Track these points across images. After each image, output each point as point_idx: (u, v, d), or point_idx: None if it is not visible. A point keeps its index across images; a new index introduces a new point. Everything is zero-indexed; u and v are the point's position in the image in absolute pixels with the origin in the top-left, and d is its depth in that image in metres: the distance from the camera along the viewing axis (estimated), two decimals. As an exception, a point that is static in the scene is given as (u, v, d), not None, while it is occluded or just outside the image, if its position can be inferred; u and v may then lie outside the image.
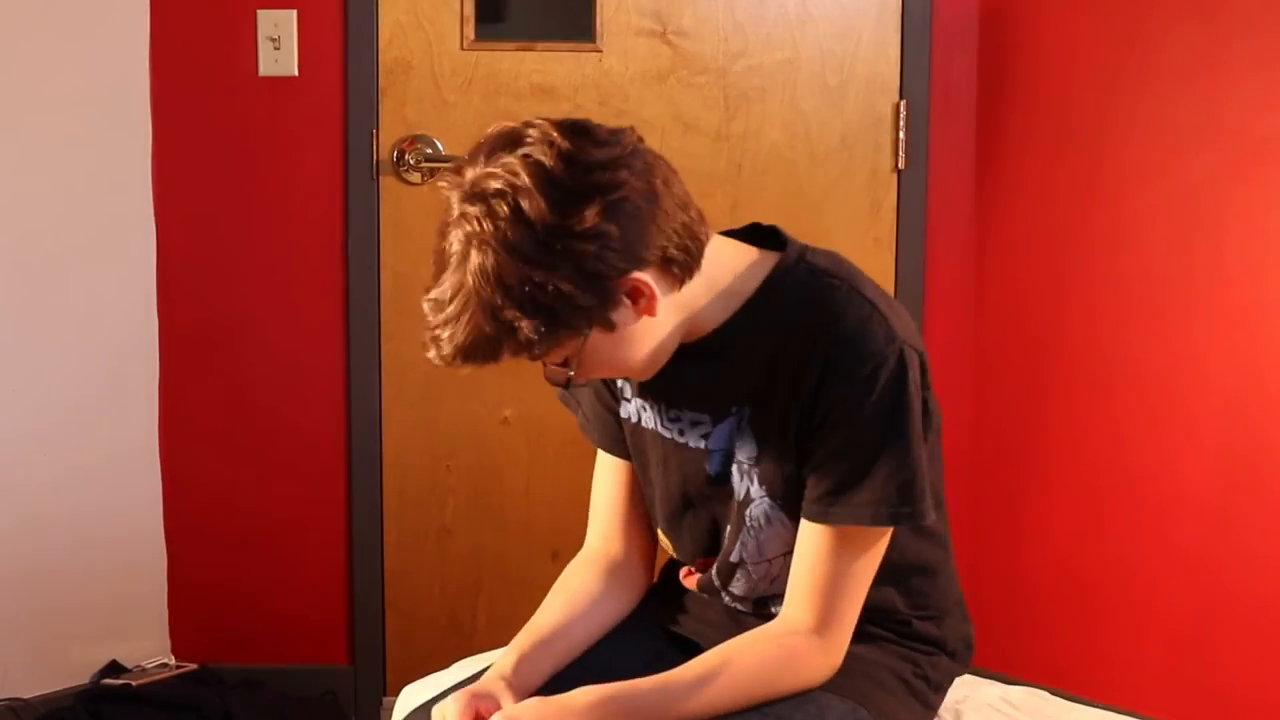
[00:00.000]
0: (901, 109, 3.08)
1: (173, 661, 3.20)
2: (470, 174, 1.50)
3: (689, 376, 1.68)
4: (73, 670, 3.09)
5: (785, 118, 3.09)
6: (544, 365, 1.59)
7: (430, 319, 1.54)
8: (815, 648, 1.62)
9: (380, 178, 3.08)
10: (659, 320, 1.57)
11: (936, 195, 3.11)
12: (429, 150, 3.06)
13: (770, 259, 1.65)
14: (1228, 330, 2.78)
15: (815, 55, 3.08)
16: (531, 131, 1.50)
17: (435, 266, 1.54)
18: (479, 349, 1.51)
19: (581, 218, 1.47)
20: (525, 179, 1.47)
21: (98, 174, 3.06)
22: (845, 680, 1.65)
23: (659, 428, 1.73)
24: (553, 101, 3.04)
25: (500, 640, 2.15)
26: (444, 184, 1.53)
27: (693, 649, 1.72)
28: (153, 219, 3.12)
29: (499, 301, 1.48)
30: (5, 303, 2.97)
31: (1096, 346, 2.96)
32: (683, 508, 1.76)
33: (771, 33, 3.07)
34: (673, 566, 1.87)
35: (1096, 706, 2.11)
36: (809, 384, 1.58)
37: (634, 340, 1.57)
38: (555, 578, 1.83)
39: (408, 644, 3.20)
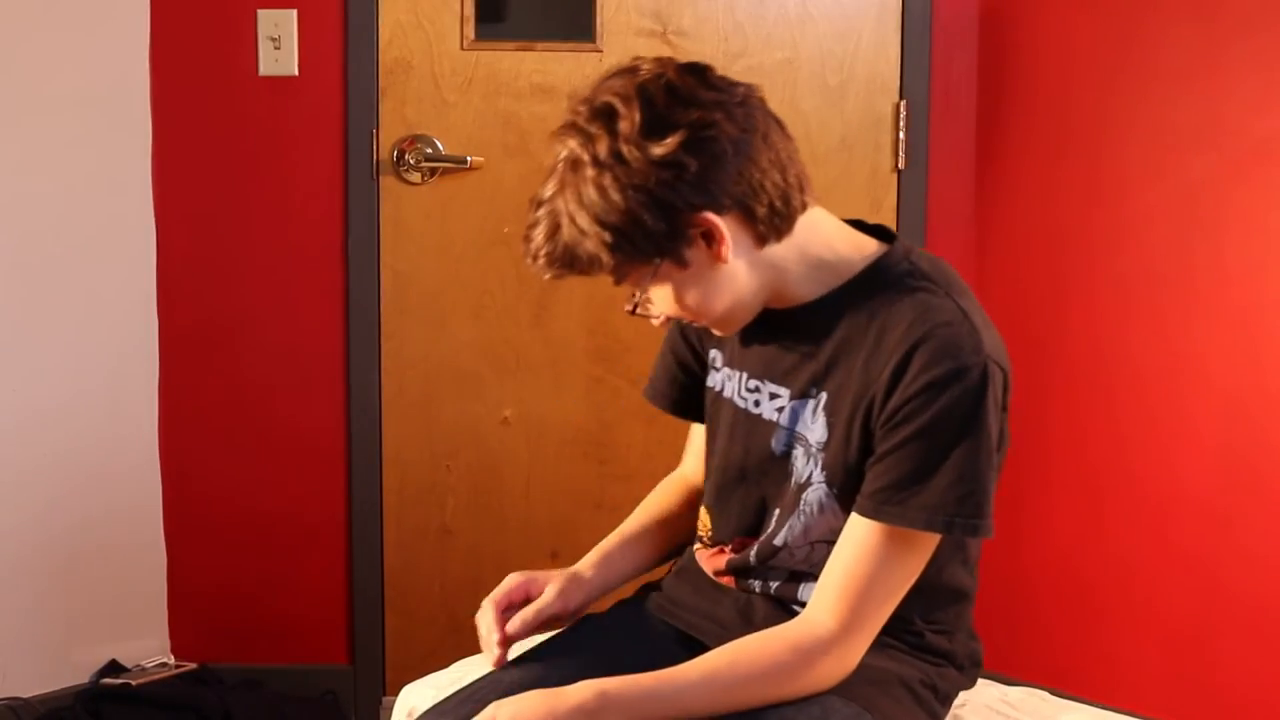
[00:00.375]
0: (901, 109, 3.08)
1: (172, 661, 3.20)
2: (588, 93, 1.58)
3: (775, 345, 1.69)
4: (72, 670, 3.10)
5: (785, 117, 3.04)
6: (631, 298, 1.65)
7: (527, 218, 1.60)
8: (831, 653, 1.60)
9: (380, 178, 3.08)
10: (738, 272, 1.60)
11: (936, 195, 3.12)
12: (429, 150, 3.06)
13: (875, 248, 1.67)
14: (1228, 330, 2.78)
15: (815, 55, 3.08)
16: (649, 64, 1.58)
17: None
18: (556, 256, 1.57)
19: (664, 144, 1.53)
20: (627, 99, 1.54)
21: (98, 174, 3.06)
22: (851, 684, 1.64)
23: (736, 396, 1.75)
24: (553, 101, 3.04)
25: (500, 640, 2.15)
26: (570, 98, 1.60)
27: (700, 649, 1.71)
28: (153, 219, 3.12)
29: (574, 210, 1.54)
30: (5, 303, 2.97)
31: (1096, 346, 2.96)
32: (737, 480, 1.75)
33: (771, 33, 3.07)
34: (685, 568, 1.87)
35: (1096, 707, 2.11)
36: (890, 380, 1.57)
37: (709, 284, 1.60)
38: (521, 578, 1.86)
39: (407, 644, 3.20)
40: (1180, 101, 2.81)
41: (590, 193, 1.53)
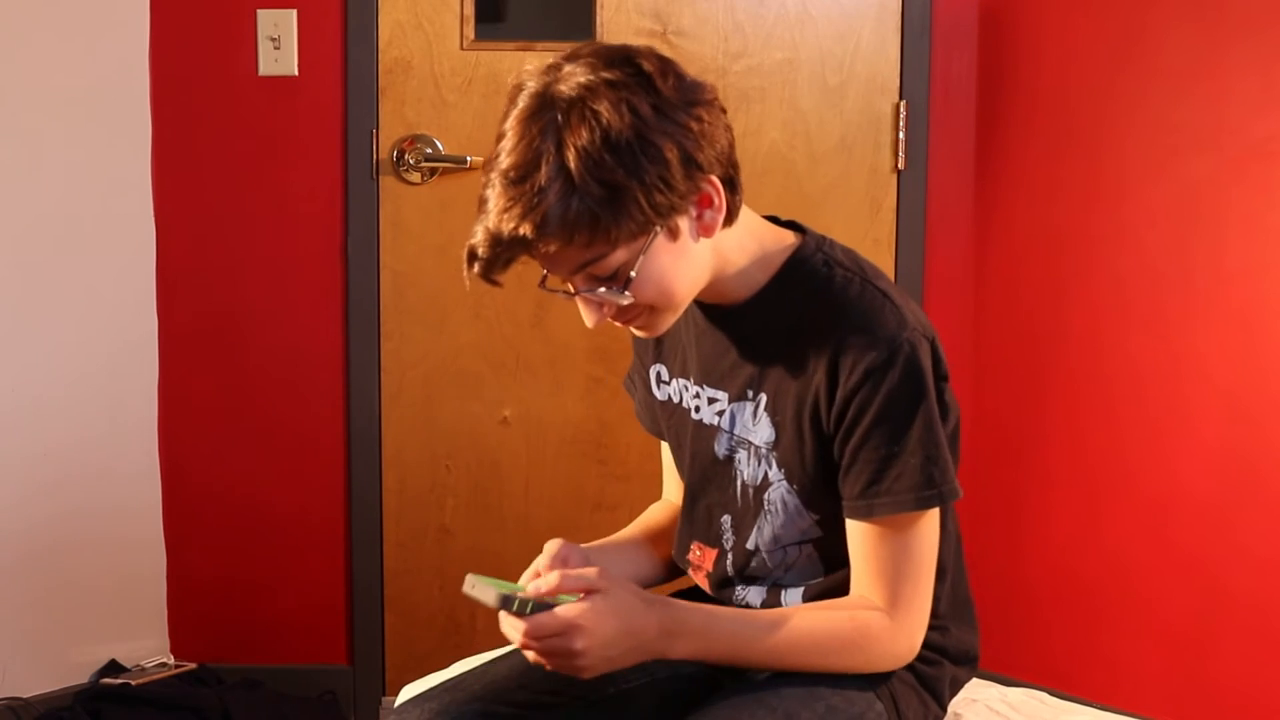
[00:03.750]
0: (901, 109, 3.08)
1: (172, 661, 3.20)
2: (570, 64, 1.50)
3: (710, 348, 1.69)
4: (72, 669, 3.10)
5: (785, 117, 3.09)
6: (583, 299, 1.56)
7: (504, 193, 1.47)
8: (887, 628, 1.61)
9: (380, 178, 3.08)
10: (704, 253, 1.58)
11: (936, 195, 3.12)
12: (429, 150, 3.06)
13: (791, 239, 1.67)
14: (1227, 330, 2.78)
15: (815, 55, 3.08)
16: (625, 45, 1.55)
17: (503, 145, 1.49)
18: (568, 220, 1.45)
19: (694, 98, 1.51)
20: (645, 56, 1.51)
21: (98, 174, 3.06)
22: (849, 681, 1.65)
23: (684, 402, 1.75)
24: (552, 101, 3.04)
25: (500, 640, 2.14)
26: (529, 69, 1.52)
27: (707, 677, 1.74)
28: (153, 219, 3.13)
29: (608, 162, 1.45)
30: (6, 301, 2.97)
31: (1096, 346, 2.96)
32: (697, 486, 1.77)
33: (771, 33, 3.07)
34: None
35: (1095, 707, 2.11)
36: (828, 376, 1.58)
37: (685, 260, 1.55)
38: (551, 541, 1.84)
39: (407, 644, 3.20)
40: (1180, 101, 2.81)
41: (625, 141, 1.45)
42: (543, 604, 1.54)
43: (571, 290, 1.57)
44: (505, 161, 1.47)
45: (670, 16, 3.06)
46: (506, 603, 1.52)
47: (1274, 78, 2.68)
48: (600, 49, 1.52)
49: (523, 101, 1.50)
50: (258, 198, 3.13)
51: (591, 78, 1.47)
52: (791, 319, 1.62)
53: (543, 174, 1.45)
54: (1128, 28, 2.89)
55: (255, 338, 3.16)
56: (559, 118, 1.46)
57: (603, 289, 1.54)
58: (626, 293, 1.54)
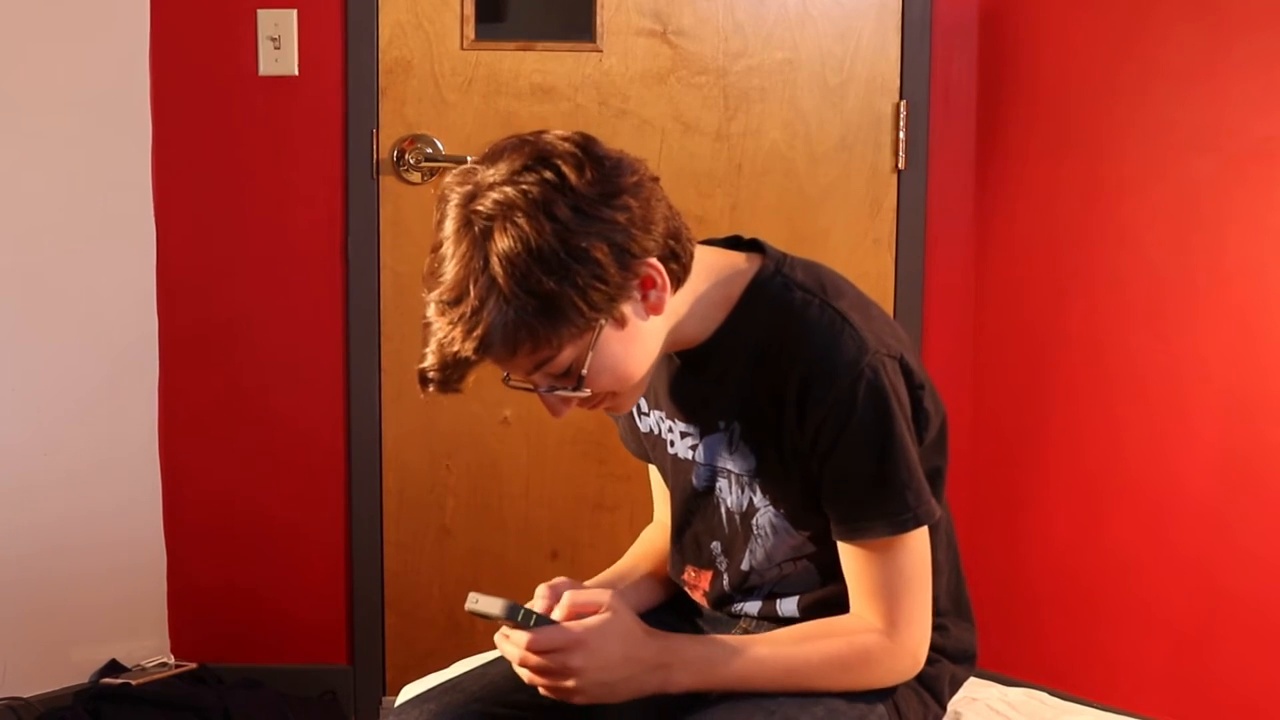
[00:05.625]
0: (901, 109, 3.08)
1: (172, 661, 3.20)
2: (488, 169, 1.50)
3: (678, 385, 1.68)
4: (72, 669, 3.10)
5: (785, 118, 3.09)
6: (542, 397, 1.56)
7: (443, 316, 1.50)
8: (886, 649, 1.62)
9: (380, 177, 3.08)
10: (651, 329, 1.55)
11: (936, 195, 3.11)
12: (429, 150, 3.06)
13: (750, 267, 1.64)
14: (1228, 330, 2.78)
15: (815, 55, 3.08)
16: (539, 134, 1.52)
17: (436, 267, 1.51)
18: (508, 334, 1.46)
19: (617, 188, 1.48)
20: (560, 156, 1.48)
21: (98, 174, 3.06)
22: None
23: (662, 434, 1.75)
24: (552, 102, 3.04)
25: (500, 640, 2.15)
26: (451, 180, 1.52)
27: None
28: (153, 219, 3.12)
29: (535, 273, 1.43)
30: (5, 302, 2.97)
31: (1096, 346, 2.96)
32: (683, 517, 1.77)
33: (771, 33, 3.07)
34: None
35: (1095, 707, 2.11)
36: (791, 404, 1.58)
37: (637, 343, 1.54)
38: (554, 577, 1.83)
39: (407, 644, 3.20)
40: (1181, 102, 2.81)
41: (549, 250, 1.43)
42: (548, 620, 1.53)
43: (533, 387, 1.57)
44: (440, 284, 1.50)
45: (670, 16, 3.06)
46: (513, 612, 1.51)
47: (1274, 78, 2.68)
48: (515, 148, 1.50)
49: (449, 215, 1.50)
50: (258, 198, 3.13)
51: (508, 190, 1.46)
52: (756, 347, 1.61)
53: (474, 293, 1.45)
54: (1127, 28, 2.89)
55: (255, 338, 3.16)
56: (479, 234, 1.46)
57: (560, 387, 1.54)
58: (584, 388, 1.53)
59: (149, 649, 3.19)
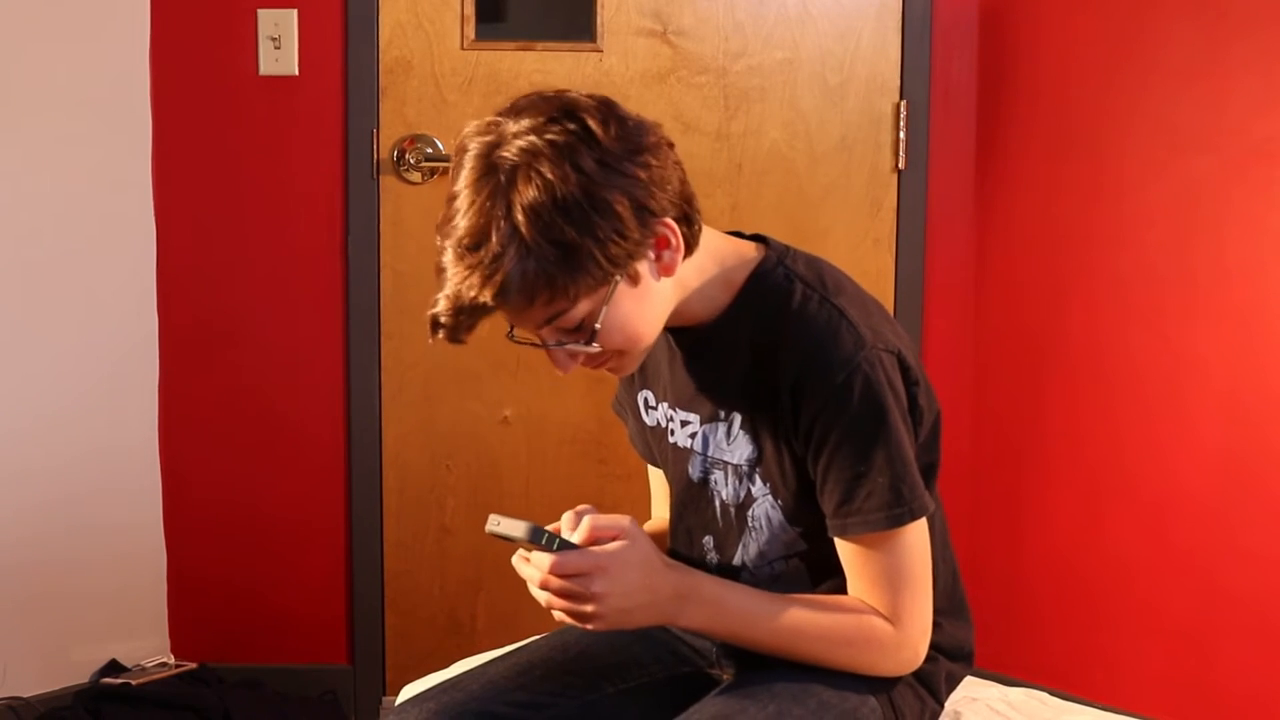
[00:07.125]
0: (901, 109, 3.08)
1: (172, 661, 3.20)
2: (511, 122, 1.49)
3: (683, 372, 1.70)
4: (72, 669, 3.10)
5: (785, 117, 3.09)
6: (551, 352, 1.56)
7: (460, 261, 1.47)
8: (892, 636, 1.63)
9: (380, 177, 3.08)
10: (665, 290, 1.57)
11: (936, 195, 3.12)
12: (429, 150, 3.07)
13: (755, 256, 1.66)
14: (1228, 330, 2.78)
15: (815, 55, 3.08)
16: (565, 93, 1.53)
17: (453, 215, 1.48)
18: (526, 283, 1.46)
19: (639, 145, 1.49)
20: (585, 110, 1.49)
21: (98, 174, 3.06)
22: (844, 679, 1.65)
23: (666, 426, 1.76)
24: (553, 101, 3.04)
25: (500, 640, 2.15)
26: (471, 130, 1.51)
27: (704, 677, 1.74)
28: (153, 219, 3.13)
29: (558, 222, 1.44)
30: (5, 302, 2.97)
31: (1096, 346, 2.96)
32: (679, 509, 1.78)
33: (771, 32, 3.07)
34: None
35: (1095, 707, 2.11)
36: (787, 396, 1.59)
37: (648, 302, 1.55)
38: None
39: (408, 644, 3.20)
40: (1181, 101, 2.81)
41: (573, 200, 1.44)
42: (570, 544, 1.54)
43: (540, 342, 1.57)
44: (458, 229, 1.47)
45: (670, 16, 3.06)
46: (536, 535, 1.52)
47: (1274, 78, 2.68)
48: (539, 103, 1.51)
49: (468, 164, 1.49)
50: (258, 198, 3.13)
51: (533, 139, 1.46)
52: (756, 336, 1.62)
53: (495, 240, 1.45)
54: (1127, 28, 2.89)
55: (255, 337, 3.16)
56: (504, 181, 1.46)
57: (570, 341, 1.55)
58: (594, 343, 1.54)
59: (149, 649, 3.20)
